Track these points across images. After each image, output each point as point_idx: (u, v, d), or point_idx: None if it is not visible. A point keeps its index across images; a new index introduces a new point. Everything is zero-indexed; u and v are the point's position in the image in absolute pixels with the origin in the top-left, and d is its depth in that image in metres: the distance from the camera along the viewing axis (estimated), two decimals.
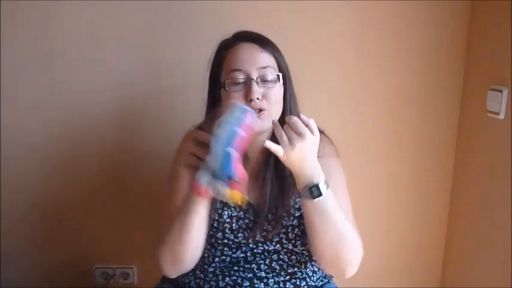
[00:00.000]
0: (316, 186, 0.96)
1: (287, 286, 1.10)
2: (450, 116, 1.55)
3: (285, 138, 0.94)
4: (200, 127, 1.17)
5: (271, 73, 1.05)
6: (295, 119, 0.94)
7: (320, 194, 0.96)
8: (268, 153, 1.09)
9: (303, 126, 0.94)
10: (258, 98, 1.02)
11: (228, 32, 1.12)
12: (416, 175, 1.59)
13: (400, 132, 1.56)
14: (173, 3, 1.45)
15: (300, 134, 0.93)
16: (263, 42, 1.07)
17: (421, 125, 1.55)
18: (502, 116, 1.31)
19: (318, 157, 1.09)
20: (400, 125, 1.55)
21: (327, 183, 0.98)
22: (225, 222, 1.09)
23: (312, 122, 0.96)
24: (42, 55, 1.48)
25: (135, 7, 1.45)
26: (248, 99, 1.02)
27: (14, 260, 1.62)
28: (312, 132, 0.95)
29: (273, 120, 1.00)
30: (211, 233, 1.10)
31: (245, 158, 1.12)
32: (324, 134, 1.18)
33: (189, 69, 1.44)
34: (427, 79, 1.52)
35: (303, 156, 0.96)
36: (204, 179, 0.90)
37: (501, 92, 1.30)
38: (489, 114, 1.35)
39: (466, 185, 1.53)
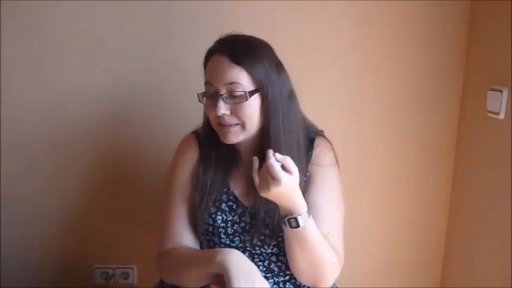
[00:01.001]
0: (295, 218, 0.96)
1: (287, 286, 1.10)
2: (450, 116, 1.55)
3: (258, 182, 0.95)
4: (197, 131, 1.17)
5: (239, 90, 1.01)
6: (270, 162, 0.92)
7: (297, 226, 0.97)
8: (261, 157, 1.09)
9: (278, 170, 0.91)
10: (225, 114, 1.02)
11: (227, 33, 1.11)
12: (416, 175, 1.59)
13: (400, 132, 1.56)
14: (172, 3, 1.45)
15: (274, 179, 0.91)
16: (236, 55, 1.02)
17: (421, 125, 1.55)
18: (502, 116, 1.31)
19: (315, 165, 1.10)
20: (400, 125, 1.55)
21: (308, 212, 0.98)
22: (219, 226, 1.09)
23: (288, 161, 0.93)
24: (42, 56, 1.48)
25: (134, 8, 1.45)
26: (216, 114, 1.03)
27: (13, 260, 1.62)
28: (288, 171, 0.93)
29: (253, 158, 0.97)
30: (207, 237, 1.10)
31: (241, 159, 1.12)
32: (324, 137, 1.17)
33: (188, 71, 1.44)
34: (427, 79, 1.52)
35: (281, 195, 0.95)
36: None
37: (501, 92, 1.30)
38: (489, 114, 1.35)
39: (466, 185, 1.53)
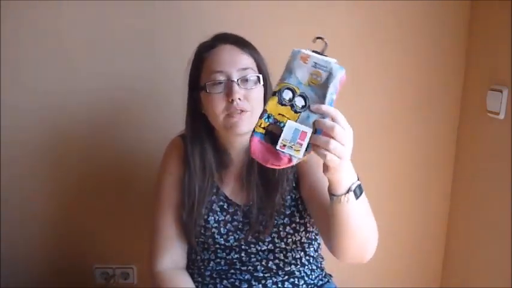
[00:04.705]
0: (359, 185, 0.86)
1: (285, 286, 1.10)
2: (450, 116, 1.55)
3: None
4: (184, 134, 1.16)
5: (252, 75, 1.04)
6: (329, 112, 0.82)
7: (362, 191, 0.87)
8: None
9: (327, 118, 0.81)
10: (239, 99, 1.02)
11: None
12: (416, 175, 1.59)
13: (400, 133, 1.56)
14: (173, 3, 1.45)
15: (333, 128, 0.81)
16: (243, 44, 1.07)
17: (421, 125, 1.55)
18: (502, 116, 1.31)
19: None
20: (400, 125, 1.55)
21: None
22: (212, 227, 1.09)
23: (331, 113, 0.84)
24: (41, 57, 1.48)
25: (134, 7, 1.45)
26: (229, 99, 1.02)
27: (14, 260, 1.62)
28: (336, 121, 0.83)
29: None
30: (201, 239, 1.10)
31: (229, 160, 1.12)
32: None
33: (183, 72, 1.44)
34: (427, 79, 1.52)
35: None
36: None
37: (501, 92, 1.30)
38: (489, 114, 1.35)
39: (466, 185, 1.53)
